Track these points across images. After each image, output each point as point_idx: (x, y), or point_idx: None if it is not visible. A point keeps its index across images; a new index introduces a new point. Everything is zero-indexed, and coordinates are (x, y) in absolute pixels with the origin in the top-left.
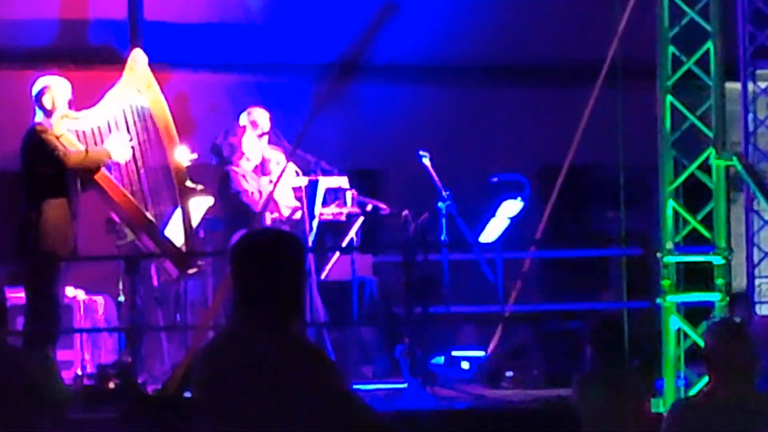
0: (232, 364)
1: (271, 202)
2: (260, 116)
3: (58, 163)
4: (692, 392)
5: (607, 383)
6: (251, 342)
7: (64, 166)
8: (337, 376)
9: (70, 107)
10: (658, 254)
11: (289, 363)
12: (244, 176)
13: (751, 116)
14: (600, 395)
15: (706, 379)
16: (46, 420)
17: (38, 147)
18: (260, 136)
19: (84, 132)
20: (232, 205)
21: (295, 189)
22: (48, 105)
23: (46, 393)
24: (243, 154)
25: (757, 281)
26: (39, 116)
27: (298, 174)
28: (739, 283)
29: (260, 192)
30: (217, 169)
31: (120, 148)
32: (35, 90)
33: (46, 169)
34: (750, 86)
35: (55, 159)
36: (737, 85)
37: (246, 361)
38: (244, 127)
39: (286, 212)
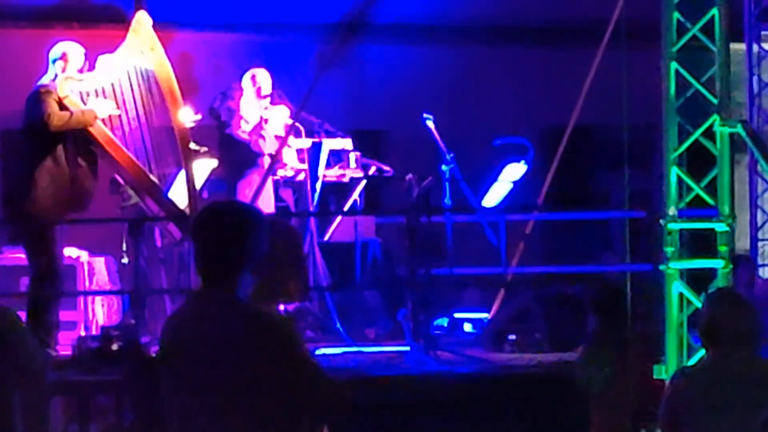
0: (190, 332)
1: (281, 150)
2: (262, 78)
3: (43, 124)
4: (692, 361)
5: (610, 351)
6: (207, 311)
7: (48, 128)
8: (290, 342)
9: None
10: (662, 221)
11: (240, 331)
12: (245, 132)
13: (755, 78)
14: (604, 363)
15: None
16: (21, 381)
17: (34, 107)
18: (261, 97)
19: (88, 93)
20: (241, 158)
21: (298, 151)
22: (60, 71)
23: (18, 353)
24: (241, 117)
25: (760, 244)
26: (47, 78)
27: (301, 134)
28: (743, 244)
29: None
30: (218, 131)
31: (105, 106)
32: (53, 54)
33: (33, 129)
34: (755, 48)
35: (41, 120)
36: (742, 46)
37: (200, 330)
38: (242, 89)
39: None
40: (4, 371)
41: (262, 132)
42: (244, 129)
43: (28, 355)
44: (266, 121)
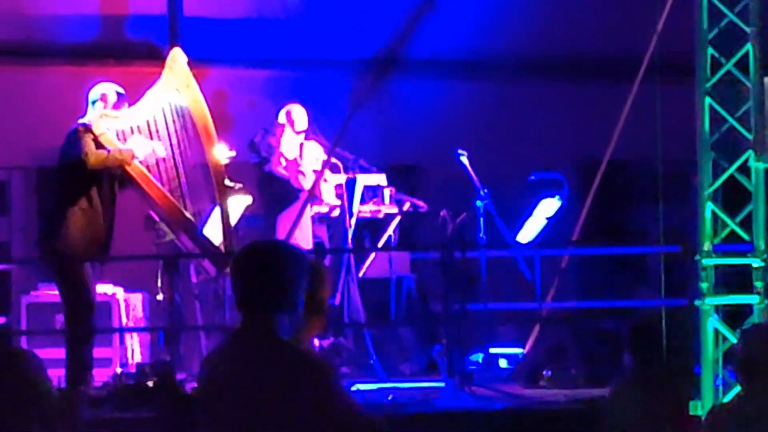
0: (228, 371)
1: (318, 185)
2: (298, 113)
3: (80, 163)
4: (728, 398)
5: (645, 388)
6: (246, 350)
7: (85, 167)
8: (327, 381)
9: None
10: (697, 257)
11: (279, 370)
12: (285, 168)
13: None
14: (638, 401)
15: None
16: (34, 420)
17: (71, 145)
18: (297, 132)
19: (123, 131)
20: (281, 194)
21: (336, 186)
22: (99, 111)
23: (38, 392)
24: (281, 154)
25: None
26: (86, 118)
27: (339, 170)
28: None
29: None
30: (257, 168)
31: (144, 147)
32: (92, 95)
33: (69, 167)
34: None
35: (78, 158)
36: None
37: (239, 369)
38: (283, 125)
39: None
40: (20, 413)
41: (300, 168)
42: (283, 165)
43: (45, 397)
44: (301, 156)
